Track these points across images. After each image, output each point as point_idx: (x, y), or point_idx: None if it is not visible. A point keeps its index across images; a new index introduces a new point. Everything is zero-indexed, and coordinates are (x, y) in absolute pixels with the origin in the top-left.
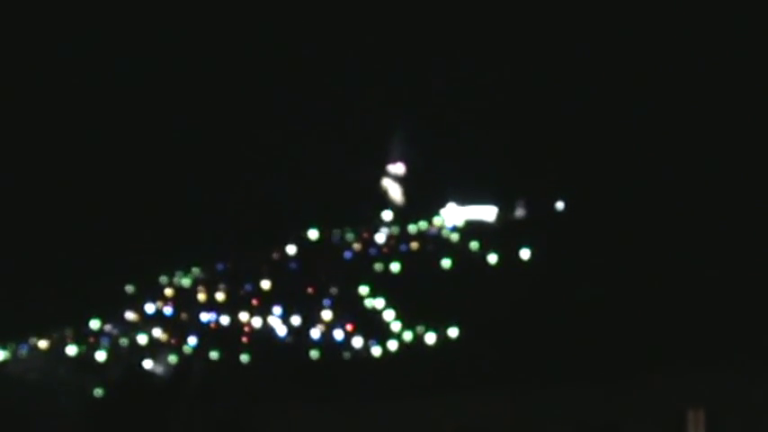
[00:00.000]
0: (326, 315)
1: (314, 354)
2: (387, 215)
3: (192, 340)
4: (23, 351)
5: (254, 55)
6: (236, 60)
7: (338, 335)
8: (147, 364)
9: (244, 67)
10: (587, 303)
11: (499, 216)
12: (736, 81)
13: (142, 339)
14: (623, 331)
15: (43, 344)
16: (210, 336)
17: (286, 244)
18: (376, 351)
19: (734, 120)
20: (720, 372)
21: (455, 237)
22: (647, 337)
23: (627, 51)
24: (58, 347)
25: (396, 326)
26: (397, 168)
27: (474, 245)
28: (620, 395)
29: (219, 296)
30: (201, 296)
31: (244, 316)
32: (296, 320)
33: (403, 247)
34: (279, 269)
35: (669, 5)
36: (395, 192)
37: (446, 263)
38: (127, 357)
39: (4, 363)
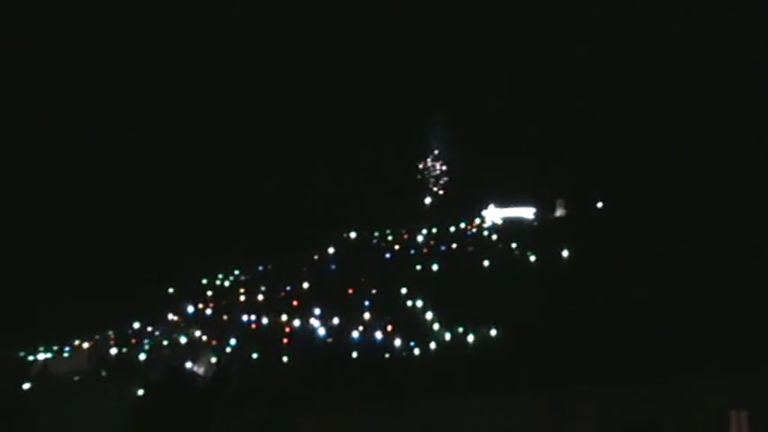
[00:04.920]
0: (366, 316)
1: (354, 354)
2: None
3: (233, 341)
4: (67, 352)
5: (298, 59)
6: (280, 65)
7: (378, 335)
8: (188, 364)
9: (287, 72)
10: (628, 304)
11: (538, 216)
12: None
13: (183, 340)
14: (665, 332)
15: (86, 345)
16: (251, 336)
17: (326, 245)
18: (416, 351)
19: None
20: (764, 373)
21: (494, 237)
22: (690, 338)
23: (666, 55)
24: (100, 348)
25: (435, 326)
26: (439, 170)
27: (513, 245)
28: (662, 396)
29: (260, 297)
30: (242, 297)
31: (284, 317)
32: (336, 321)
33: (443, 248)
34: (319, 270)
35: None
36: (436, 193)
37: (485, 263)
38: (168, 358)
39: (49, 363)
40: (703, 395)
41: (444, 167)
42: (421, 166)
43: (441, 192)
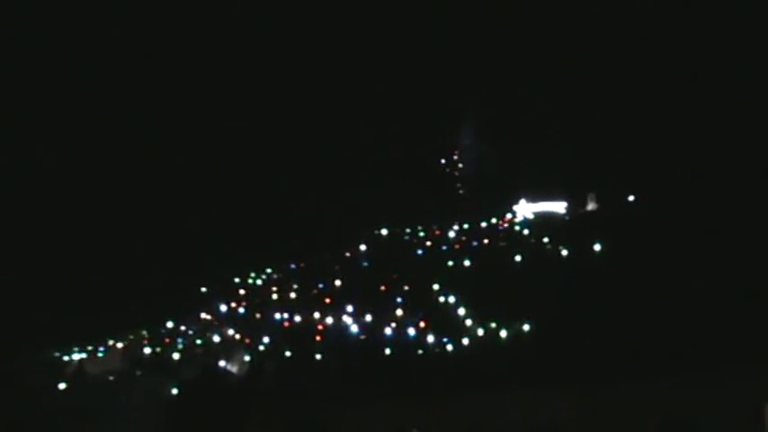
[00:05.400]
0: (399, 312)
1: (386, 351)
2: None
3: (266, 339)
4: (102, 352)
5: (325, 51)
6: (306, 58)
7: (411, 332)
8: (222, 363)
9: (316, 65)
10: (661, 297)
11: (570, 211)
12: None
13: (216, 339)
14: (699, 325)
15: (120, 345)
16: (284, 334)
17: (358, 242)
18: (449, 347)
19: None
20: None
21: (526, 232)
22: (724, 331)
23: (699, 45)
24: (134, 348)
25: (468, 322)
26: (469, 164)
27: (545, 240)
28: (696, 390)
29: (292, 295)
30: (274, 295)
31: (316, 314)
32: (368, 318)
33: (474, 244)
34: (351, 267)
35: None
36: (466, 188)
37: (518, 258)
38: (201, 357)
39: (84, 363)
40: (739, 387)
41: (475, 162)
42: (451, 161)
43: (471, 187)
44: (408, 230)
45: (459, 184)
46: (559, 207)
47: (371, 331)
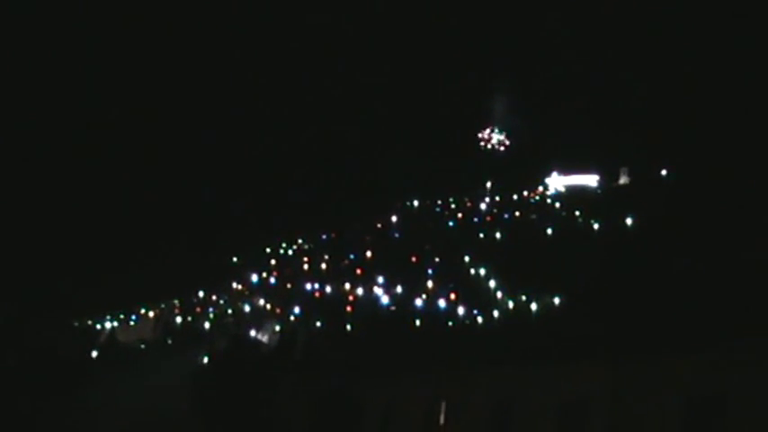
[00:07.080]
0: (430, 284)
1: (417, 322)
2: (490, 184)
3: (296, 309)
4: (134, 321)
5: (365, 30)
6: (342, 41)
7: (441, 303)
8: (252, 332)
9: (350, 46)
10: (692, 270)
11: (602, 184)
12: None
13: (247, 309)
14: (731, 298)
15: (152, 314)
16: (314, 305)
17: (390, 213)
18: (479, 320)
19: None
20: None
21: (558, 205)
22: (756, 305)
23: (732, 22)
24: (166, 317)
25: (498, 294)
26: (502, 138)
27: (577, 213)
28: (728, 364)
29: (323, 266)
30: (305, 266)
31: (347, 285)
32: (399, 289)
33: (506, 216)
34: (382, 239)
35: None
36: (499, 161)
37: (549, 231)
38: (232, 326)
39: (116, 332)
40: None
41: (507, 135)
42: (484, 134)
43: (504, 159)
44: (440, 202)
45: (492, 157)
46: (591, 180)
47: (402, 302)
